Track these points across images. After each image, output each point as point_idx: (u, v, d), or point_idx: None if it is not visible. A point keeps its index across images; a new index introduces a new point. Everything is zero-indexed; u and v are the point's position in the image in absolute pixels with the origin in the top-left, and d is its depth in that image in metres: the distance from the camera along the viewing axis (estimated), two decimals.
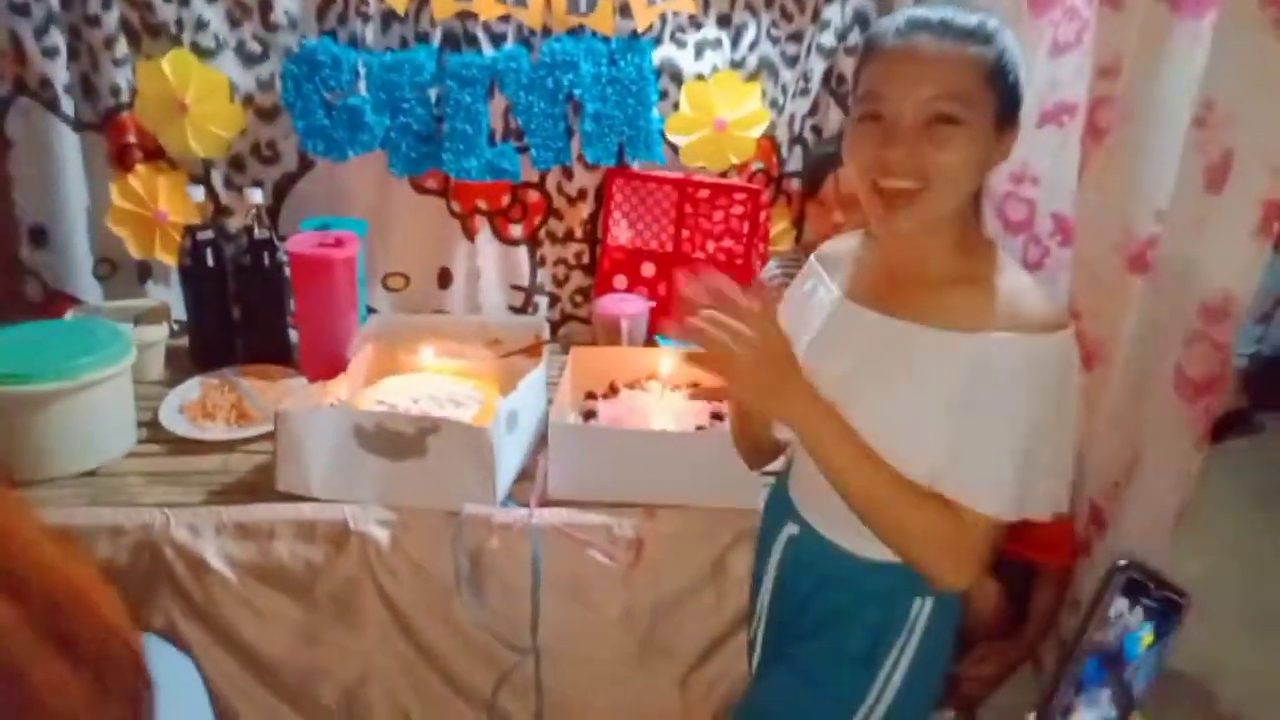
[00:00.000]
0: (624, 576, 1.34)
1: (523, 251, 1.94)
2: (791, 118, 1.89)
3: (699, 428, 1.42)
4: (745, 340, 0.86)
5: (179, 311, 1.77)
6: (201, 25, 1.69)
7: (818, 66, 1.85)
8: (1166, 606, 0.49)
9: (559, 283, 1.98)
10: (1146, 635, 0.49)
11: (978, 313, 0.88)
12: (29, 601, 0.44)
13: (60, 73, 1.68)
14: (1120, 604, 0.49)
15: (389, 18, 1.73)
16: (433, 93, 1.76)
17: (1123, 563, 0.49)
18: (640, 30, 1.76)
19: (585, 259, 1.97)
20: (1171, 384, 1.24)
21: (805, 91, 1.87)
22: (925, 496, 0.89)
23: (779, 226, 1.96)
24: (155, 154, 1.77)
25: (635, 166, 1.87)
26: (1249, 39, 1.09)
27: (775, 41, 1.84)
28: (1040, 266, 1.56)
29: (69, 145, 1.72)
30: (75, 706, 0.45)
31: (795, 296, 1.10)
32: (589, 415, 1.48)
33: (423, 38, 1.75)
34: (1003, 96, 0.89)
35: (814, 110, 1.90)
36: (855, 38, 1.83)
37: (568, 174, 1.88)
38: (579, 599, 1.36)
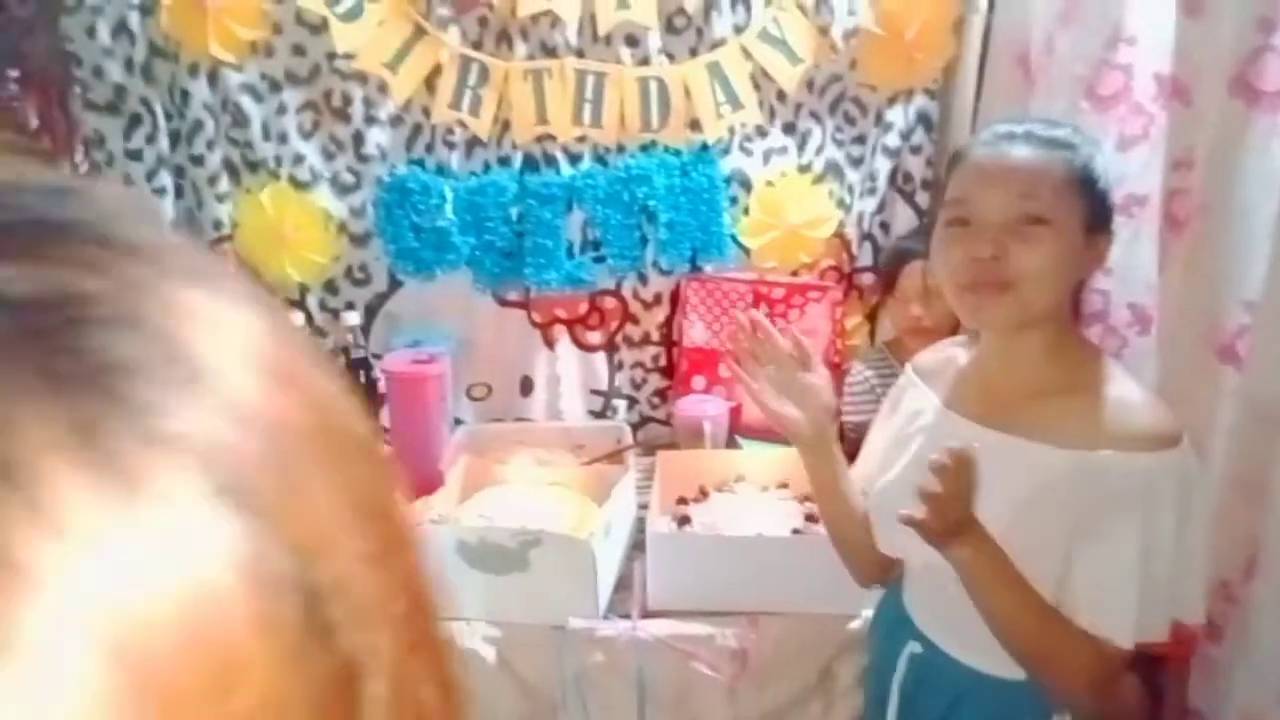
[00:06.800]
0: (729, 688, 1.33)
1: (600, 357, 1.99)
2: (860, 215, 1.93)
3: (795, 531, 1.43)
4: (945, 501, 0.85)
5: None
6: (298, 160, 1.80)
7: (883, 166, 1.90)
8: None
9: (636, 385, 2.02)
10: None
11: (1084, 427, 0.87)
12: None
13: (167, 210, 1.79)
14: None
15: (473, 144, 1.82)
16: (514, 211, 1.84)
17: None
18: (710, 142, 1.84)
19: (661, 361, 2.01)
20: None
21: (872, 190, 1.92)
22: (1068, 625, 0.87)
23: (853, 321, 1.99)
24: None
25: (708, 270, 1.92)
26: None
27: (840, 145, 1.90)
28: (1119, 357, 1.56)
29: None
30: None
31: (893, 408, 1.11)
32: (683, 521, 1.50)
33: (504, 160, 1.84)
34: (1091, 203, 0.91)
35: (881, 208, 1.94)
36: (919, 136, 1.88)
37: (643, 280, 1.94)
38: (684, 713, 1.35)
